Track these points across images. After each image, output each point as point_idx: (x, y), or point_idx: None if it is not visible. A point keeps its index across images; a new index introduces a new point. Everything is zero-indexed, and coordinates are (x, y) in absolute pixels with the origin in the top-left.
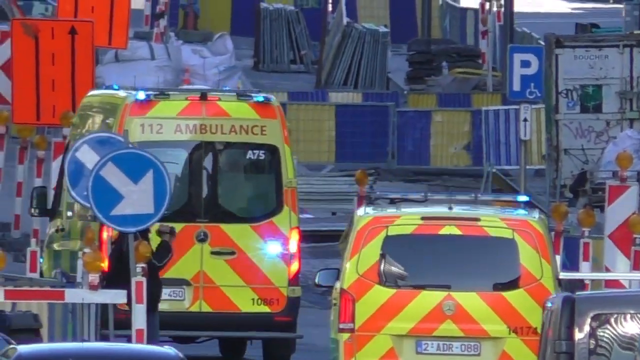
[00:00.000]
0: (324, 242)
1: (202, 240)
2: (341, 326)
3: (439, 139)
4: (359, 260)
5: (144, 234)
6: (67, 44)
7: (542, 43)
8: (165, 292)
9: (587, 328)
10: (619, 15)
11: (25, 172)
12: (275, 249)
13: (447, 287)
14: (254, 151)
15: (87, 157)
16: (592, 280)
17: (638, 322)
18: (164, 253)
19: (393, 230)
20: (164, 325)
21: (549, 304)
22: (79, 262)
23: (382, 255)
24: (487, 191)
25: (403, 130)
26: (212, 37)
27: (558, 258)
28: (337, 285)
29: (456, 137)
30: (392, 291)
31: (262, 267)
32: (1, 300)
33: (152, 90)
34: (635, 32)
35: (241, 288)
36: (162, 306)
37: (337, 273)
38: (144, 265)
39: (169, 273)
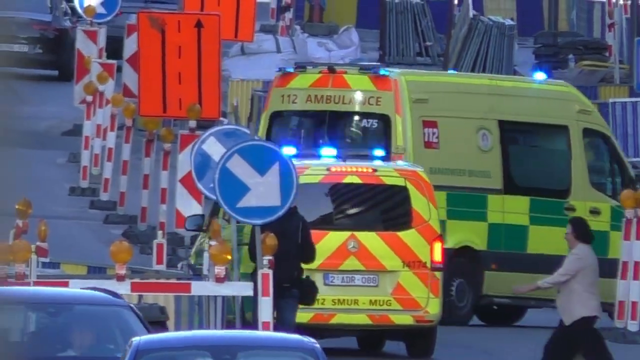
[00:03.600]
0: None
1: None
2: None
3: None
4: None
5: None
6: (193, 37)
7: None
8: None
9: None
10: None
11: (152, 165)
12: None
13: (350, 228)
14: (369, 120)
15: (214, 149)
16: None
17: None
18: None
19: (303, 179)
20: None
21: None
22: (206, 255)
23: None
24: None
25: None
26: (338, 30)
27: None
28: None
29: None
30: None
31: None
32: (128, 292)
33: (298, 64)
34: None
35: None
36: None
37: (202, 218)
38: (270, 257)
39: None
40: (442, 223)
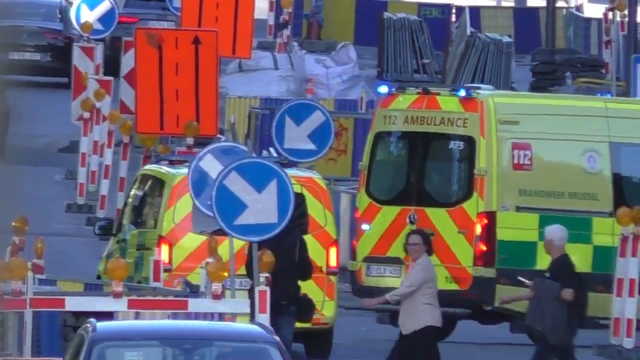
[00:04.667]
0: None
1: (412, 222)
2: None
3: None
4: (175, 212)
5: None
6: (190, 54)
7: None
8: (386, 269)
9: None
10: None
11: None
12: (463, 232)
13: None
14: (455, 142)
15: (211, 166)
16: None
17: None
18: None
19: None
20: None
21: None
22: (203, 272)
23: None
24: None
25: None
26: (336, 47)
27: None
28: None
29: None
30: (203, 238)
31: (453, 248)
32: (124, 309)
33: (400, 85)
34: None
35: (437, 267)
36: (384, 283)
37: (112, 223)
38: (267, 274)
39: (388, 252)
40: (533, 245)
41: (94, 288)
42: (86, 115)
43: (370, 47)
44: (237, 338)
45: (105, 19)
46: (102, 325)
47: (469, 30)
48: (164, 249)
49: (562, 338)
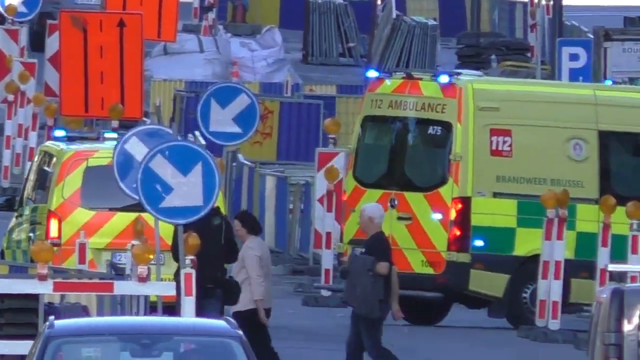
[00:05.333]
0: None
1: (393, 206)
2: (49, 242)
3: None
4: (64, 187)
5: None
6: (115, 37)
7: (591, 36)
8: None
9: (636, 320)
10: None
11: None
12: (438, 217)
13: (138, 209)
14: (434, 127)
15: (136, 149)
16: None
17: None
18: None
19: (92, 162)
20: None
21: (598, 296)
22: (128, 254)
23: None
24: None
25: None
26: (261, 30)
27: (606, 250)
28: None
29: None
30: (92, 213)
31: (429, 233)
32: (50, 292)
33: (388, 69)
34: None
35: (414, 251)
36: None
37: (13, 198)
38: (193, 257)
39: None
40: (511, 231)
41: (19, 270)
42: (10, 97)
43: (295, 31)
44: (198, 333)
45: (29, 1)
46: (60, 322)
47: (394, 13)
48: (53, 223)
49: (370, 311)
